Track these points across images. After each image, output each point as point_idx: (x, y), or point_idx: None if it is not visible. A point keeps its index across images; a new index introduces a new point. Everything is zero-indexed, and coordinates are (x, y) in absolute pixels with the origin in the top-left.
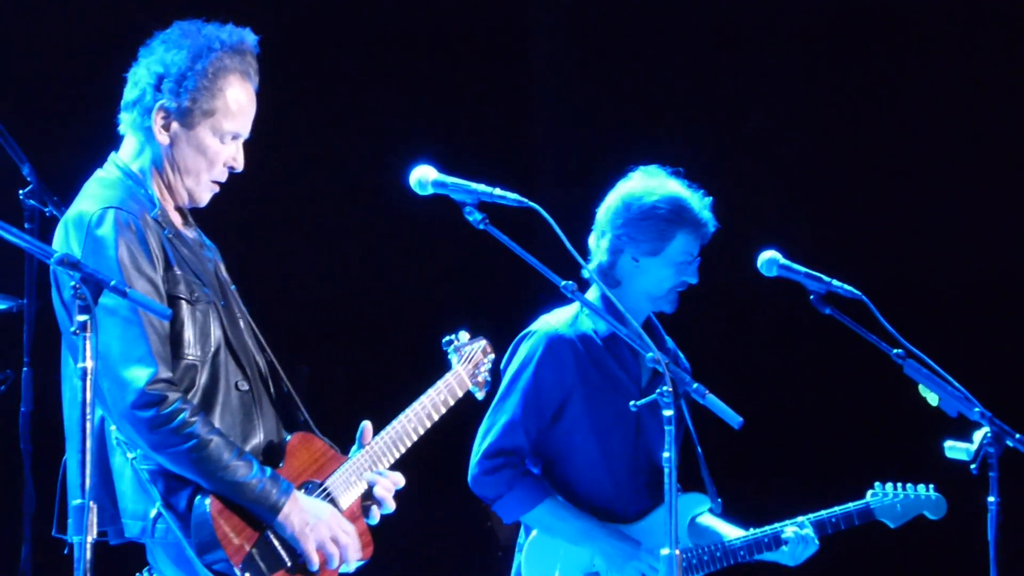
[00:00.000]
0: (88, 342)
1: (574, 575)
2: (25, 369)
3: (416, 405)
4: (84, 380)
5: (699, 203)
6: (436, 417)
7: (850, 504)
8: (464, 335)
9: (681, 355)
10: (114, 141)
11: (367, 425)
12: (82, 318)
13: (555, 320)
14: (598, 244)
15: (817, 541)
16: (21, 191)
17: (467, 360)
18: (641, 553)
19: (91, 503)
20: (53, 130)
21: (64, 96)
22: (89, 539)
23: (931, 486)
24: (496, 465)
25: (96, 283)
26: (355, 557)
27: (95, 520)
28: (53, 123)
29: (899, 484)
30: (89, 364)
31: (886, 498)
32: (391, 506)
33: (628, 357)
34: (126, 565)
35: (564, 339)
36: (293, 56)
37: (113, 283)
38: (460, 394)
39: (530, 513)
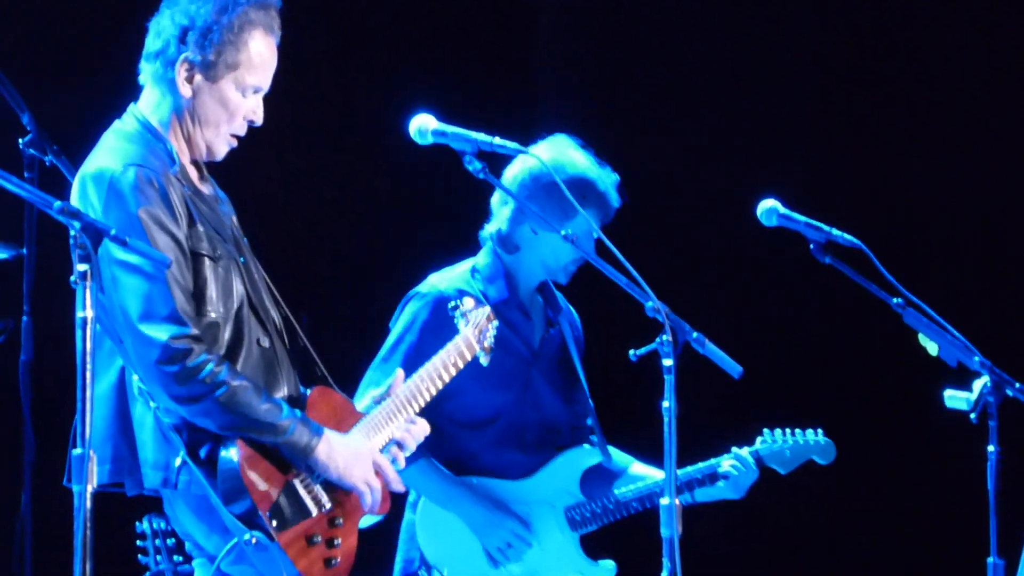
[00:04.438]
0: (88, 292)
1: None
2: (24, 318)
3: (428, 365)
4: (84, 330)
5: (605, 182)
6: (447, 378)
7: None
8: (468, 301)
9: (576, 316)
10: (115, 90)
11: (399, 373)
12: (82, 267)
13: (442, 281)
14: (499, 210)
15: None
16: (21, 140)
17: (473, 325)
18: (506, 521)
19: (91, 452)
20: (53, 78)
21: (65, 44)
22: (89, 488)
23: (819, 430)
24: None
25: (96, 232)
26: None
27: (95, 469)
28: (53, 71)
29: (787, 430)
30: (89, 314)
31: (775, 444)
32: (412, 448)
33: (519, 319)
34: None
35: (450, 301)
36: (288, 5)
37: (113, 232)
38: (469, 357)
39: (402, 473)
